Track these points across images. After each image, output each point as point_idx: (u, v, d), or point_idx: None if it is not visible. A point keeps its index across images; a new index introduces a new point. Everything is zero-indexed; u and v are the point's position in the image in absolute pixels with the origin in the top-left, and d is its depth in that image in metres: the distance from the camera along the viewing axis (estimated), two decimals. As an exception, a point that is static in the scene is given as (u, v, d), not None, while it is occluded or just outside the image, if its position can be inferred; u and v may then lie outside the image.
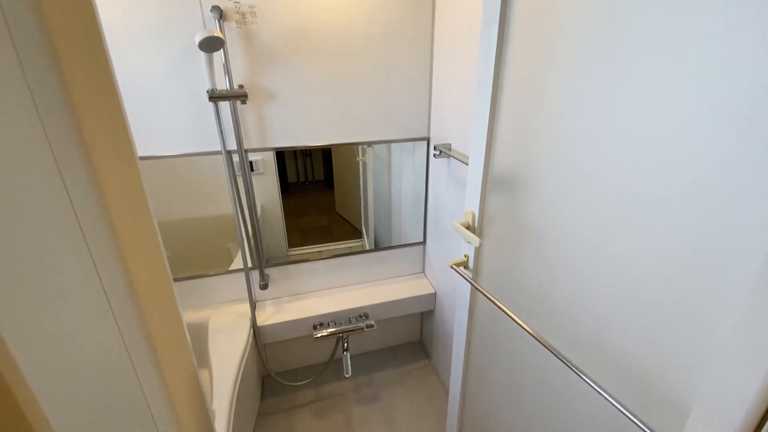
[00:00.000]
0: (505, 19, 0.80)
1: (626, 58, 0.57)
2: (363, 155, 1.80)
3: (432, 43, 1.57)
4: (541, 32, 0.72)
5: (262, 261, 1.76)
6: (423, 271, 2.04)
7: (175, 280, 1.65)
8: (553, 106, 0.72)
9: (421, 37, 1.55)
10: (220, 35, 1.25)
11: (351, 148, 1.75)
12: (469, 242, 1.01)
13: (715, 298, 0.50)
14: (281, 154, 1.68)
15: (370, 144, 1.71)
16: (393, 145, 1.74)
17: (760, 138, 0.43)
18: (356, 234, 1.99)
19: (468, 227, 1.02)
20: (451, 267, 1.06)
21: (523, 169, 0.82)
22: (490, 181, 0.94)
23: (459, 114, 1.42)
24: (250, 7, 1.37)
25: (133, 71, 1.35)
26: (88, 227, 0.42)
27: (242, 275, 1.76)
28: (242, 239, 1.62)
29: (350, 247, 1.93)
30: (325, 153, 1.99)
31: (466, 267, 1.08)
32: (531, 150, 0.79)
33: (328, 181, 2.07)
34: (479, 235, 1.01)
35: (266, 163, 1.66)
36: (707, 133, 0.48)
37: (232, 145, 1.53)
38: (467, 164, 1.10)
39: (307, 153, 1.93)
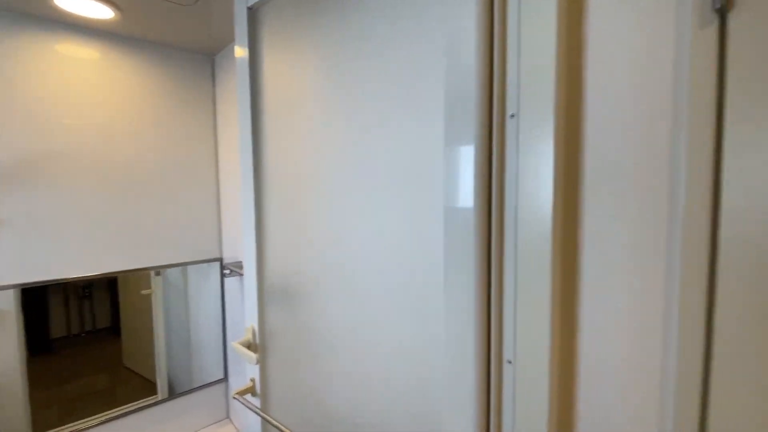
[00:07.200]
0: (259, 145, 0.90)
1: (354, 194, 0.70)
2: (151, 287, 1.55)
3: (217, 166, 1.62)
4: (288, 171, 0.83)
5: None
6: (228, 416, 1.72)
7: None
8: (308, 218, 0.80)
9: (206, 160, 1.59)
10: None
11: (140, 281, 1.50)
12: (249, 362, 0.92)
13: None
14: (42, 300, 1.27)
15: (155, 269, 1.50)
16: (189, 269, 1.58)
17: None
18: (149, 388, 1.57)
19: (249, 345, 0.94)
20: (234, 397, 0.92)
21: (294, 277, 0.85)
22: (266, 292, 0.93)
23: (248, 232, 1.43)
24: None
25: None
26: None
27: None
28: None
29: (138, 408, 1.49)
30: (112, 290, 1.58)
31: (253, 394, 0.96)
32: (297, 258, 0.83)
33: (116, 327, 1.63)
34: (261, 353, 0.94)
35: (3, 315, 1.21)
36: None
37: None
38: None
39: (85, 294, 1.49)
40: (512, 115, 0.49)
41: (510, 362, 0.51)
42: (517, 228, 0.48)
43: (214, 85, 1.58)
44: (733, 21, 0.35)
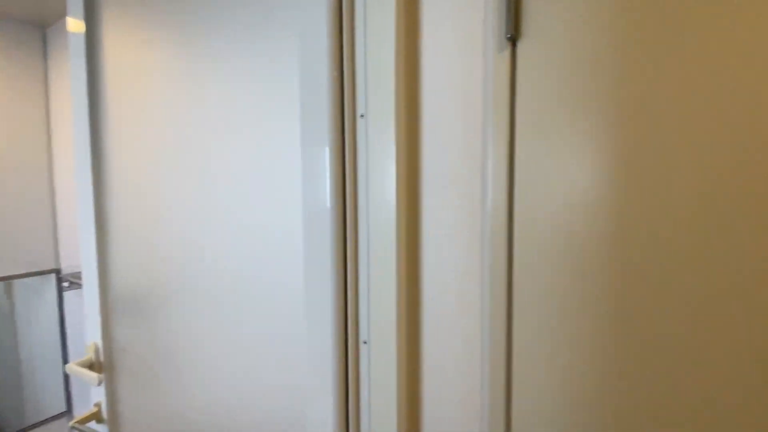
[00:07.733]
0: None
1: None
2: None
3: (51, 158, 1.36)
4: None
5: None
6: (74, 454, 1.45)
7: None
8: (160, 220, 0.73)
9: (35, 151, 1.31)
10: None
11: None
12: (90, 384, 0.80)
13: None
14: None
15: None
16: (16, 285, 1.28)
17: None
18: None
19: (91, 365, 0.81)
20: (73, 427, 0.79)
21: (146, 285, 0.76)
22: (114, 304, 0.82)
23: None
24: None
25: None
26: None
27: None
28: None
29: None
30: None
31: (99, 421, 0.84)
32: (149, 264, 0.75)
33: None
34: (108, 372, 0.82)
35: None
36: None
37: None
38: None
39: None
40: (362, 115, 0.53)
41: (365, 342, 0.55)
42: (369, 224, 0.52)
43: (45, 63, 1.32)
44: (520, 48, 0.44)
